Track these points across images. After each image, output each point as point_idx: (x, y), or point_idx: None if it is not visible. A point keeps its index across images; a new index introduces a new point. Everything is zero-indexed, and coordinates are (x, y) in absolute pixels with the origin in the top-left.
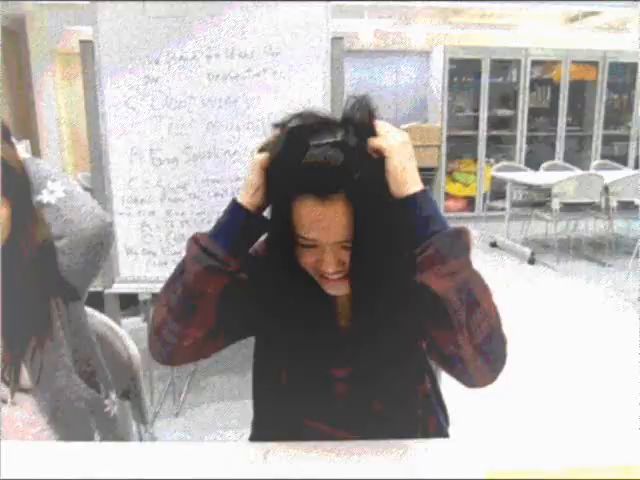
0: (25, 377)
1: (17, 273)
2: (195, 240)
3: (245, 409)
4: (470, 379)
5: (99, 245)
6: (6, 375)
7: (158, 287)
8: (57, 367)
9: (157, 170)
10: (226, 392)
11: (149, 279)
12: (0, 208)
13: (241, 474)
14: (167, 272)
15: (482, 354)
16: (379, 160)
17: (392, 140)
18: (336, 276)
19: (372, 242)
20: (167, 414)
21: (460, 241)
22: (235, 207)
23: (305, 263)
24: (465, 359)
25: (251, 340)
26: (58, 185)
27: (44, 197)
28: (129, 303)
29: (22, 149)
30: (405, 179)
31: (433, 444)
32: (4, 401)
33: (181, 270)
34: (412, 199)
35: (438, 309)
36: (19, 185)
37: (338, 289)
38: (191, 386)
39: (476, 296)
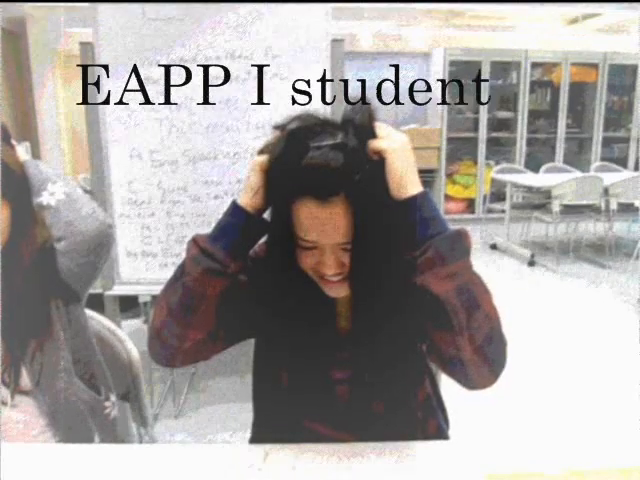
0: (25, 379)
1: (17, 275)
2: (195, 242)
3: (245, 411)
4: (470, 381)
5: (99, 247)
6: (6, 377)
7: (158, 289)
8: (57, 369)
9: (157, 172)
10: (226, 394)
11: (149, 281)
12: (0, 210)
13: (241, 476)
14: (167, 274)
15: (482, 356)
16: (379, 162)
17: (392, 142)
18: (336, 278)
19: (372, 244)
20: (167, 416)
21: (460, 243)
22: (235, 209)
23: (305, 265)
24: (465, 361)
25: (251, 341)
26: (58, 187)
27: (44, 199)
28: (129, 305)
29: (22, 151)
30: (405, 181)
31: (433, 446)
32: (4, 403)
33: (181, 272)
34: (412, 201)
35: (438, 311)
36: (19, 187)
37: (338, 291)
38: (191, 388)
39: (476, 298)
